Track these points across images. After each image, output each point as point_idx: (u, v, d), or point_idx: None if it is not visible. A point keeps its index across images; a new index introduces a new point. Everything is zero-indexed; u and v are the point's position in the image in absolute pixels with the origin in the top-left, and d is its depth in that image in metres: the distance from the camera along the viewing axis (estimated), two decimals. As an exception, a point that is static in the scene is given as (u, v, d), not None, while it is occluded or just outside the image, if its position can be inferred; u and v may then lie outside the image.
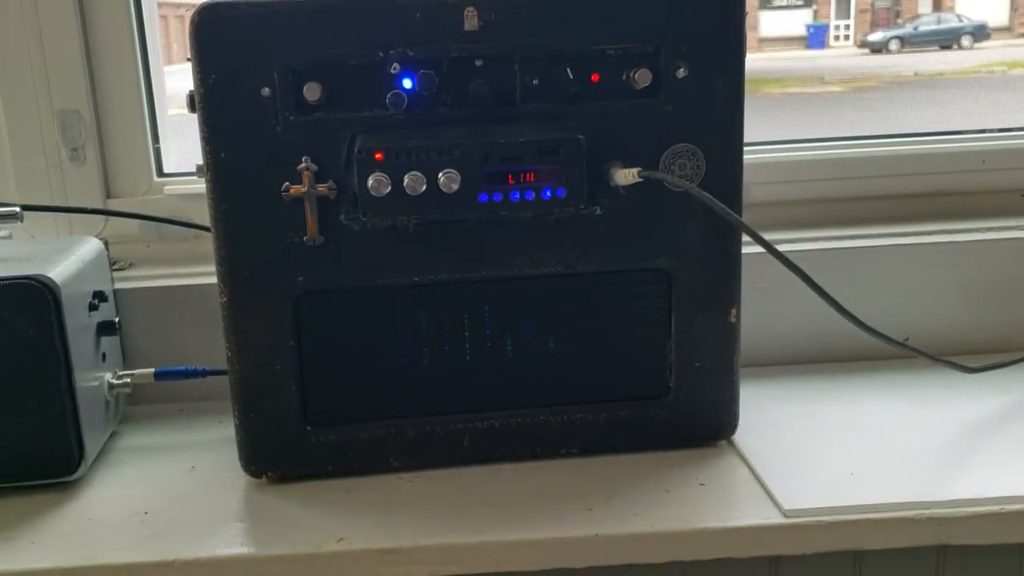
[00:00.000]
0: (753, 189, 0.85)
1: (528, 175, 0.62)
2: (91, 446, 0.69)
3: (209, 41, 0.60)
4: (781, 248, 0.61)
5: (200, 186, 0.84)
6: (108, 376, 0.73)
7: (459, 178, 0.60)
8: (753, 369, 0.71)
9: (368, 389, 0.67)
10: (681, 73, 0.62)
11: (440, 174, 0.60)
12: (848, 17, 2.62)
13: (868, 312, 0.64)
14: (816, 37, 2.64)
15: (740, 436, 0.69)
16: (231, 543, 0.60)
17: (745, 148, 0.65)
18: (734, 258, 0.66)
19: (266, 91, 0.60)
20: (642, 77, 0.62)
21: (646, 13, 0.61)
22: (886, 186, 0.88)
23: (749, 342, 0.69)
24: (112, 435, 0.75)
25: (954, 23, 2.54)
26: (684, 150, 0.63)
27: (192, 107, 0.62)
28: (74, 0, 0.82)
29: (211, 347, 0.76)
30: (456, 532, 0.60)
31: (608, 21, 0.62)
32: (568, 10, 0.61)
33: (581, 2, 0.61)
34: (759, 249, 0.61)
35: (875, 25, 2.59)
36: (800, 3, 2.68)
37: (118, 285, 0.79)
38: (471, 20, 0.60)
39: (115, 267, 0.82)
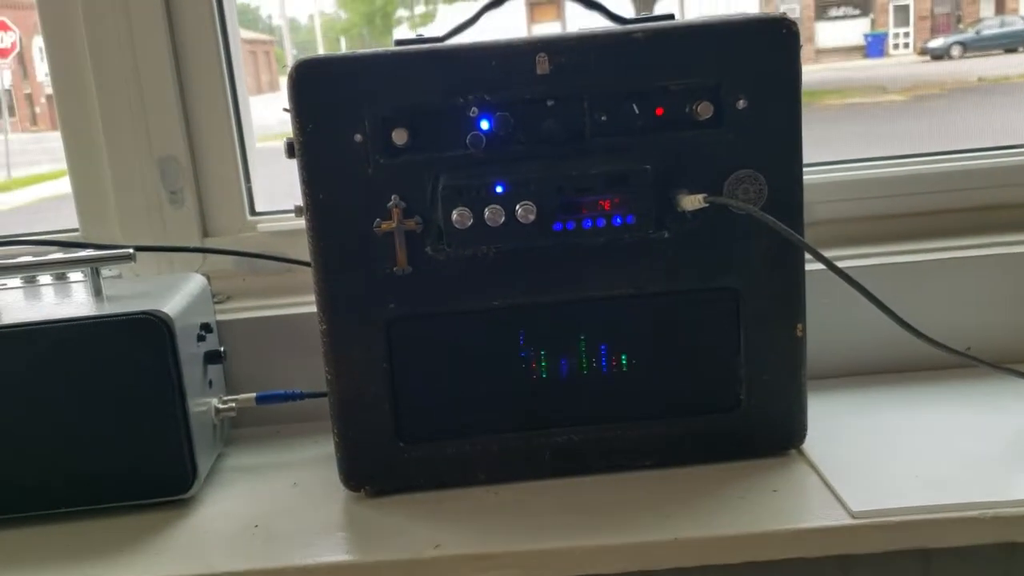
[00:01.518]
0: (815, 208, 0.90)
1: (599, 204, 0.68)
2: (202, 466, 0.76)
3: (306, 94, 0.67)
4: (843, 264, 0.66)
5: (290, 223, 0.93)
6: (215, 401, 0.81)
7: (535, 209, 0.67)
8: (820, 381, 0.75)
9: (455, 407, 0.73)
10: (741, 104, 0.68)
11: (518, 206, 0.67)
12: (907, 24, 2.64)
13: (929, 323, 0.69)
14: (875, 46, 2.65)
15: (809, 445, 0.74)
16: (337, 551, 0.67)
17: (805, 169, 0.70)
18: (798, 275, 0.71)
19: (358, 137, 0.67)
20: (704, 109, 0.67)
21: (706, 51, 0.67)
22: (942, 201, 0.92)
23: (815, 355, 0.73)
24: (219, 456, 0.83)
25: (1018, 26, 2.54)
26: (747, 176, 0.68)
27: (291, 153, 0.69)
28: (170, 55, 0.90)
29: (306, 371, 0.83)
30: (542, 538, 0.66)
31: (670, 60, 0.67)
32: (631, 52, 0.67)
33: (643, 44, 0.67)
34: (821, 267, 0.66)
35: (935, 31, 2.60)
36: (857, 12, 2.70)
37: (219, 317, 0.87)
38: (542, 64, 0.67)
39: (215, 300, 0.90)
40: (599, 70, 0.67)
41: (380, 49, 0.67)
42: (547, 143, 0.68)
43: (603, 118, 0.68)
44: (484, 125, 0.68)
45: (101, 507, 0.74)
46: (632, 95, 0.68)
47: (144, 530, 0.71)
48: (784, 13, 0.68)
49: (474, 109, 0.68)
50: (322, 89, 0.67)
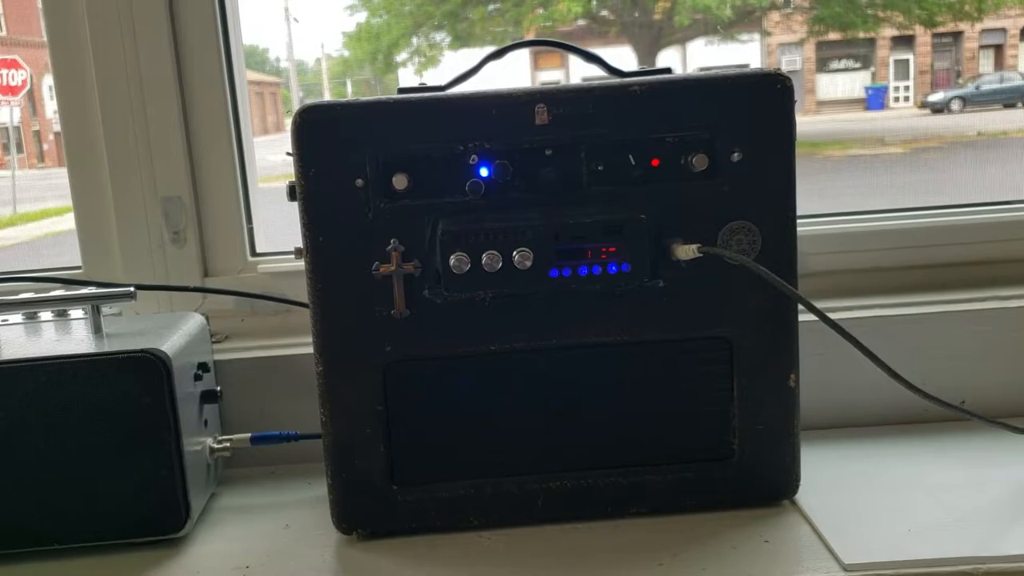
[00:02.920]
0: (809, 259, 0.91)
1: (595, 252, 0.69)
2: (196, 505, 0.76)
3: (310, 139, 0.68)
4: (836, 316, 0.67)
5: (289, 264, 0.95)
6: (209, 441, 0.81)
7: (532, 256, 0.68)
8: (813, 432, 0.76)
9: (449, 451, 0.73)
10: (736, 157, 0.69)
11: (515, 252, 0.68)
12: (907, 78, 2.67)
13: (923, 377, 0.69)
14: (875, 99, 2.68)
15: (802, 496, 0.74)
16: (327, 594, 0.67)
17: (799, 220, 0.71)
18: (791, 326, 0.71)
19: (359, 182, 0.69)
20: (699, 161, 0.69)
21: (701, 104, 0.69)
22: (936, 255, 0.94)
23: (809, 406, 0.74)
24: (212, 496, 0.83)
25: (1017, 81, 2.56)
26: (740, 227, 0.69)
27: (292, 196, 0.70)
28: (177, 95, 0.92)
29: (301, 413, 0.84)
30: (534, 585, 0.66)
31: (666, 112, 0.69)
32: (629, 104, 0.69)
33: (640, 97, 0.68)
34: (815, 318, 0.67)
35: (935, 85, 2.63)
36: (858, 65, 2.73)
37: (216, 356, 0.88)
38: (541, 115, 0.68)
39: (213, 340, 0.91)
40: (597, 121, 0.68)
41: (383, 97, 0.69)
42: (545, 191, 0.70)
43: (600, 168, 0.70)
44: (483, 172, 0.69)
45: (92, 544, 0.74)
46: (629, 146, 0.70)
47: (135, 569, 0.71)
48: (778, 68, 0.70)
49: (474, 157, 0.69)
50: (325, 134, 0.68)
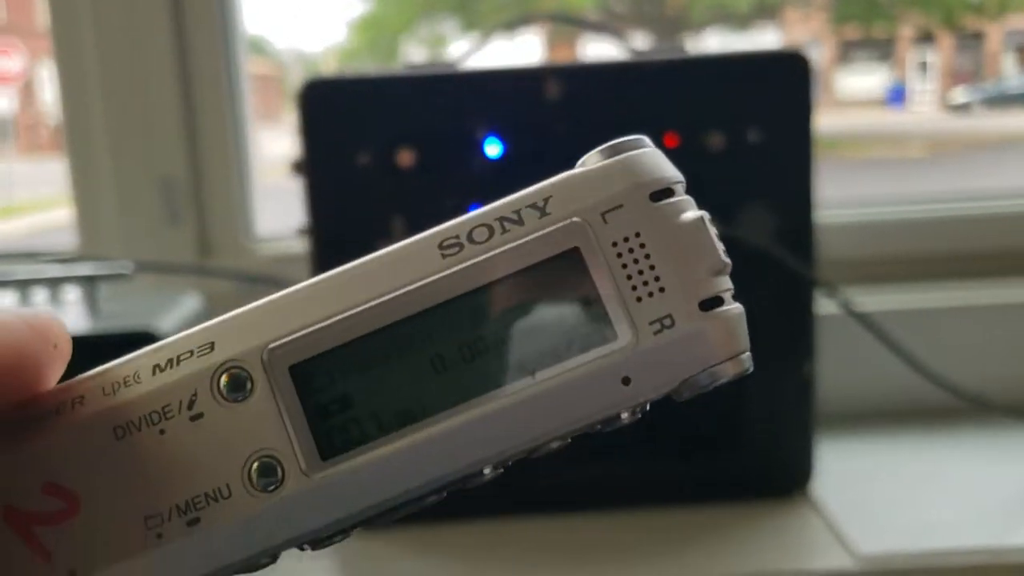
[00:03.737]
0: (826, 248, 0.90)
1: (607, 233, 0.69)
2: (191, 490, 0.76)
3: (315, 112, 0.69)
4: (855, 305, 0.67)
5: (291, 247, 0.95)
6: (206, 424, 0.81)
7: (541, 236, 0.68)
8: (828, 423, 0.76)
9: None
10: (753, 137, 0.69)
11: (524, 232, 0.68)
12: (928, 78, 2.67)
13: (943, 368, 0.69)
14: (895, 98, 2.69)
15: (815, 487, 0.74)
16: (324, 581, 0.67)
17: (821, 209, 0.71)
18: (809, 313, 0.71)
19: (365, 158, 0.69)
20: (716, 141, 0.69)
21: (718, 83, 0.69)
22: (959, 245, 0.93)
23: (823, 396, 0.74)
24: (207, 482, 0.83)
25: (1041, 82, 2.57)
26: (758, 208, 0.69)
27: (297, 169, 0.71)
28: (177, 74, 0.92)
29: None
30: (540, 574, 0.66)
31: (682, 90, 0.69)
32: (644, 81, 0.69)
33: (655, 73, 0.69)
34: (833, 307, 0.67)
35: (957, 85, 2.63)
36: (878, 64, 2.74)
37: (214, 340, 0.88)
38: (553, 90, 0.69)
39: (211, 323, 0.91)
40: (611, 97, 0.69)
41: (391, 70, 0.69)
42: (555, 170, 0.69)
43: (612, 146, 0.70)
44: (492, 149, 0.69)
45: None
46: (643, 123, 0.69)
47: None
48: (797, 48, 0.70)
49: (482, 132, 0.69)
50: (331, 108, 0.68)
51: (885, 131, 2.73)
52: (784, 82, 0.69)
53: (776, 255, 0.67)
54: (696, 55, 0.70)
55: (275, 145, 1.19)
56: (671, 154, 0.69)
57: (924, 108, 2.67)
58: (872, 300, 0.86)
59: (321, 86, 0.69)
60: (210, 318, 0.28)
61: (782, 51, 0.69)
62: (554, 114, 0.69)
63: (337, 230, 0.69)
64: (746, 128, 0.69)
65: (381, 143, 0.69)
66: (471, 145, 0.69)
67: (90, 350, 0.72)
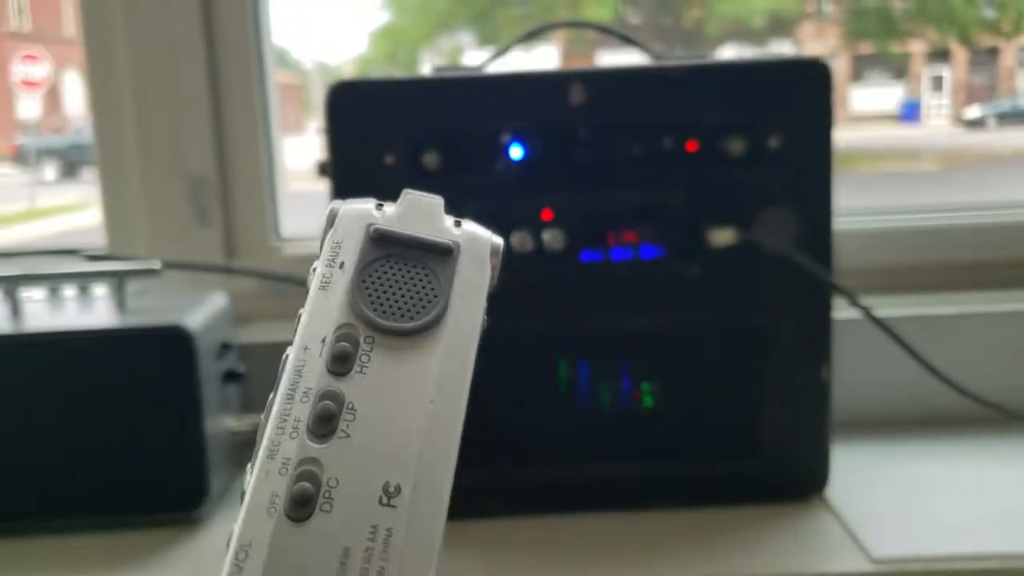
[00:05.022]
0: (844, 256, 0.90)
1: (628, 235, 0.69)
2: (214, 484, 0.77)
3: (342, 114, 0.69)
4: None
5: (316, 247, 0.95)
6: (231, 421, 0.82)
7: (563, 238, 0.68)
8: (844, 428, 0.76)
9: (469, 437, 0.73)
10: (774, 142, 0.69)
11: (546, 234, 0.68)
12: (942, 94, 2.67)
13: (959, 375, 0.69)
14: (910, 113, 2.68)
15: (831, 491, 0.73)
16: None
17: (839, 216, 0.71)
18: (826, 317, 0.71)
19: (390, 160, 0.69)
20: (737, 146, 0.69)
21: (740, 88, 0.69)
22: (977, 254, 0.93)
23: (840, 401, 0.74)
24: (231, 477, 0.83)
25: (1056, 99, 2.56)
26: (777, 214, 0.70)
27: (323, 171, 0.71)
28: (207, 78, 0.93)
29: (322, 397, 0.84)
30: (555, 572, 0.66)
31: (704, 96, 0.69)
32: (666, 86, 0.69)
33: (677, 78, 0.69)
34: (850, 313, 0.67)
35: (971, 101, 2.63)
36: (892, 80, 2.73)
37: (239, 338, 0.88)
38: (577, 95, 0.69)
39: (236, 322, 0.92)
40: (633, 102, 0.69)
41: (417, 75, 0.70)
42: (578, 173, 0.70)
43: (635, 150, 0.70)
44: (515, 152, 0.70)
45: (108, 518, 0.74)
46: (665, 129, 0.70)
47: (149, 546, 0.72)
48: (818, 57, 0.70)
49: (507, 136, 0.70)
50: (357, 110, 0.69)
51: (899, 146, 2.72)
52: (805, 89, 0.69)
53: (795, 260, 0.67)
54: (720, 62, 0.71)
55: (297, 154, 1.20)
56: (692, 158, 0.70)
57: (938, 123, 2.67)
58: (889, 307, 0.86)
59: (349, 88, 0.69)
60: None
61: (803, 59, 0.69)
62: (577, 118, 0.69)
63: (362, 230, 0.70)
64: (766, 134, 0.69)
65: (406, 145, 0.69)
66: (495, 148, 0.70)
67: (119, 344, 0.73)
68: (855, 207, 0.94)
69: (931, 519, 0.69)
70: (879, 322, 0.65)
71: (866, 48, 2.65)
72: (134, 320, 0.75)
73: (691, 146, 0.70)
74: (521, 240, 0.68)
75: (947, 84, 2.61)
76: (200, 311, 0.79)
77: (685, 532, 0.70)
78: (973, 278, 0.93)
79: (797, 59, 0.70)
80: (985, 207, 0.97)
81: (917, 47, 2.56)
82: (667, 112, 0.69)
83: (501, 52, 0.77)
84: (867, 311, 0.65)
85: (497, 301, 0.70)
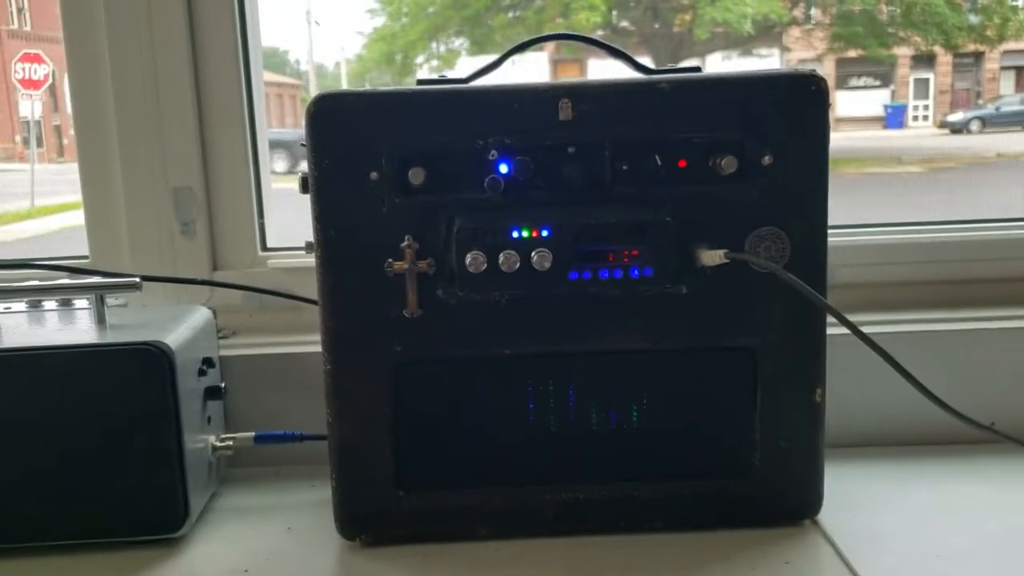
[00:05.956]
0: (837, 271, 0.87)
1: (617, 255, 0.65)
2: (195, 505, 0.73)
3: (324, 129, 0.65)
4: (865, 331, 0.63)
5: (300, 260, 0.91)
6: (212, 439, 0.78)
7: (551, 257, 0.64)
8: (837, 450, 0.72)
9: (458, 457, 0.70)
10: (766, 160, 0.65)
11: (533, 253, 0.64)
12: (927, 97, 2.63)
13: (952, 396, 0.65)
14: (894, 117, 2.65)
15: (825, 516, 0.70)
16: (327, 602, 0.63)
17: (830, 230, 0.67)
18: (819, 338, 0.68)
19: (374, 175, 0.65)
20: (728, 164, 0.65)
21: (732, 104, 0.65)
22: (969, 270, 0.90)
23: (833, 423, 0.70)
24: (213, 495, 0.79)
25: (1038, 103, 2.53)
26: (769, 233, 0.66)
27: (304, 188, 0.67)
28: (192, 86, 0.89)
29: (307, 413, 0.80)
30: (543, 600, 0.62)
31: (695, 112, 0.65)
32: (656, 102, 0.65)
33: (668, 94, 0.65)
34: (843, 331, 0.63)
35: (955, 106, 2.60)
36: (877, 84, 2.70)
37: (222, 352, 0.85)
38: (565, 110, 0.65)
39: (220, 335, 0.88)
40: (622, 119, 0.65)
41: (401, 87, 0.66)
42: (566, 190, 0.66)
43: (624, 167, 0.66)
44: (503, 169, 0.66)
45: (86, 542, 0.70)
46: (655, 145, 0.66)
47: (131, 568, 0.68)
48: (813, 70, 0.66)
49: (494, 152, 0.66)
50: (340, 124, 0.65)
51: (884, 148, 2.69)
52: (800, 106, 0.65)
53: (788, 280, 0.63)
54: (711, 76, 0.67)
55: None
56: (682, 176, 0.66)
57: (922, 127, 2.63)
58: (882, 324, 0.83)
59: (331, 101, 0.65)
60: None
61: (799, 72, 0.65)
62: (566, 134, 0.65)
63: (346, 246, 0.66)
64: (759, 150, 0.65)
65: (391, 160, 0.65)
66: (482, 164, 0.66)
67: (96, 363, 0.69)
68: (847, 222, 0.91)
69: (926, 546, 0.65)
70: (868, 340, 0.62)
71: (852, 53, 2.62)
72: (112, 337, 0.71)
73: (681, 163, 0.66)
74: (508, 259, 0.64)
75: (932, 88, 2.58)
76: (181, 327, 0.75)
77: (673, 557, 0.66)
78: (968, 295, 0.90)
79: (792, 72, 0.66)
80: (976, 222, 0.93)
81: (902, 52, 2.53)
82: (657, 128, 0.65)
83: (491, 67, 0.73)
84: (857, 330, 0.62)
85: (484, 321, 0.67)
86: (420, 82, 0.69)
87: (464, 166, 0.66)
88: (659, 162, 0.66)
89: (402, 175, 0.65)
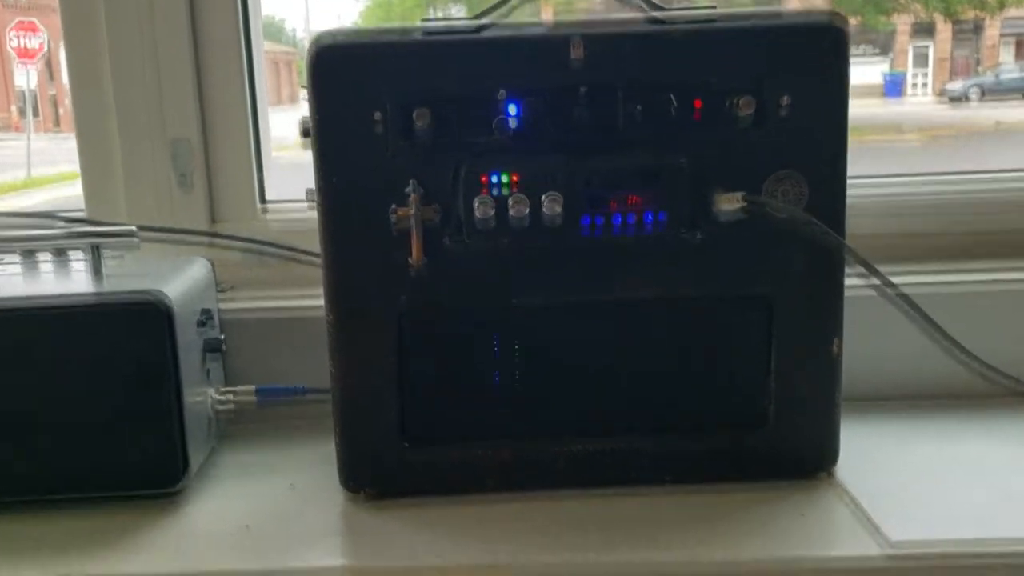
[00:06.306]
0: (853, 222, 0.84)
1: (630, 200, 0.63)
2: (194, 460, 0.70)
3: (326, 70, 0.62)
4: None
5: (300, 214, 0.88)
6: (212, 392, 0.75)
7: (562, 201, 0.62)
8: (853, 403, 0.70)
9: (465, 410, 0.67)
10: (784, 101, 0.63)
11: (544, 197, 0.61)
12: (926, 66, 2.60)
13: (975, 349, 0.63)
14: (893, 86, 2.61)
15: (841, 469, 0.68)
16: (329, 555, 0.61)
17: (848, 181, 0.64)
18: (837, 287, 0.65)
19: (378, 118, 0.62)
20: (746, 105, 0.62)
21: (751, 48, 0.62)
22: (992, 222, 0.87)
23: (849, 376, 0.68)
24: (213, 451, 0.77)
25: (1038, 72, 2.49)
26: (787, 176, 0.63)
27: (306, 133, 0.64)
28: (189, 36, 0.86)
29: (308, 369, 0.78)
30: (551, 552, 0.60)
31: (712, 55, 0.62)
32: (671, 43, 0.62)
33: (684, 35, 0.62)
34: (860, 284, 0.60)
35: (954, 74, 2.56)
36: (876, 52, 2.66)
37: (221, 307, 0.82)
38: (577, 50, 0.62)
39: (219, 290, 0.85)
40: (636, 60, 0.62)
41: (406, 25, 0.63)
42: (577, 133, 0.63)
43: (638, 109, 0.63)
44: (512, 111, 0.63)
45: (83, 496, 0.68)
46: (670, 87, 0.63)
47: (128, 524, 0.66)
48: (836, 11, 0.63)
49: (502, 93, 0.63)
50: (342, 67, 0.62)
51: (883, 118, 2.66)
52: (820, 48, 0.62)
53: (808, 222, 0.61)
54: (725, 23, 0.63)
55: (290, 126, 1.13)
56: (698, 118, 0.63)
57: (922, 97, 2.60)
58: (901, 275, 0.80)
59: (333, 44, 0.62)
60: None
61: (819, 16, 0.62)
62: (577, 76, 0.62)
63: (349, 193, 0.63)
64: (777, 97, 0.62)
65: (395, 103, 0.62)
66: (490, 106, 0.63)
67: (92, 316, 0.67)
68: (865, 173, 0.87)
69: (946, 501, 0.63)
70: (890, 283, 0.59)
71: (851, 22, 2.58)
72: (108, 288, 0.69)
73: (697, 104, 0.63)
74: (518, 204, 0.61)
75: (931, 57, 2.54)
76: (179, 278, 0.72)
77: (686, 512, 0.64)
78: (988, 248, 0.87)
79: (812, 17, 0.63)
80: (999, 172, 0.90)
81: (902, 21, 2.49)
82: (672, 70, 0.62)
83: (497, 5, 0.69)
84: (877, 272, 0.59)
85: (492, 270, 0.64)
86: (425, 21, 0.65)
87: (472, 109, 0.63)
88: (674, 104, 0.63)
89: (407, 118, 0.62)
